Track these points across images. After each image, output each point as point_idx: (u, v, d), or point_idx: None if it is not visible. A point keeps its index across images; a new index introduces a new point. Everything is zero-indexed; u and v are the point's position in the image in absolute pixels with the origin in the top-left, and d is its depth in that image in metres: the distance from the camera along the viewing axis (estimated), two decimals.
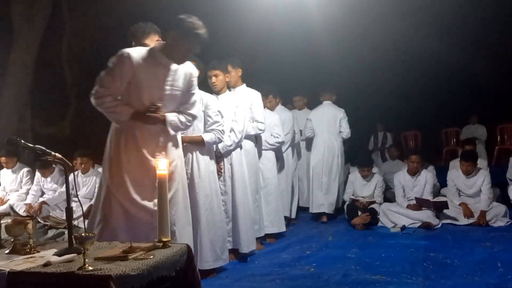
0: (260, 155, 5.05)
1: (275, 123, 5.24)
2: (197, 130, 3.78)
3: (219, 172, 4.20)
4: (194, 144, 3.74)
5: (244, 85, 4.68)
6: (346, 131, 6.31)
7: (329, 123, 6.29)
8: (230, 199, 4.27)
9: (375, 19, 7.55)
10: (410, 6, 7.41)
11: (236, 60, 4.58)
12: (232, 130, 4.22)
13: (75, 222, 5.08)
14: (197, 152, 3.77)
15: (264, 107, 5.45)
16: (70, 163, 2.30)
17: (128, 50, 2.85)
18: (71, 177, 2.55)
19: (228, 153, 4.25)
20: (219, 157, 4.17)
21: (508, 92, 9.01)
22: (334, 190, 6.25)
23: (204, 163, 3.81)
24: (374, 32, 8.06)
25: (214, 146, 4.02)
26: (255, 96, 4.68)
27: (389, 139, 9.26)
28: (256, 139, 4.81)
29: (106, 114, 2.89)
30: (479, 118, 9.08)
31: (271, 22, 6.72)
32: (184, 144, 3.49)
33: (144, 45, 3.12)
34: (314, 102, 6.73)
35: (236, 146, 4.27)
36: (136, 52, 2.86)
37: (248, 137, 4.53)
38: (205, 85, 4.15)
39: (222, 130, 3.89)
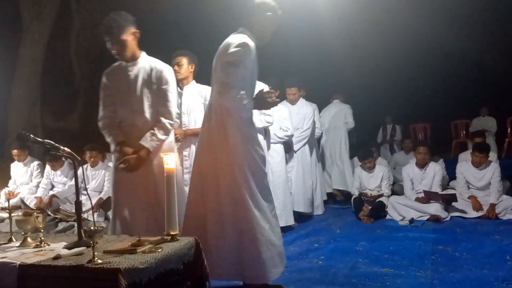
0: (268, 148, 5.06)
1: (285, 116, 5.23)
2: (198, 122, 3.76)
3: None
4: (197, 137, 3.63)
5: None
6: (349, 121, 7.23)
7: (335, 116, 7.24)
8: None
9: (384, 12, 7.48)
10: None
11: None
12: None
13: (84, 215, 5.13)
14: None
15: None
16: (78, 157, 2.32)
17: (245, 40, 2.85)
18: (80, 170, 2.57)
19: None
20: None
21: None
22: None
23: None
24: (383, 25, 7.98)
25: None
26: (261, 88, 4.67)
27: (398, 132, 9.21)
28: (265, 132, 4.82)
29: (246, 111, 2.89)
30: (489, 110, 8.98)
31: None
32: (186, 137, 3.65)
33: (121, 41, 2.91)
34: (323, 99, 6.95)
35: None
36: (249, 40, 2.90)
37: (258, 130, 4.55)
38: (201, 77, 4.13)
39: None
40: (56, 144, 2.26)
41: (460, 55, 9.12)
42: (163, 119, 2.96)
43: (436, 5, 7.51)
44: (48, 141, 2.26)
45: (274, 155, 5.14)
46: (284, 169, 5.21)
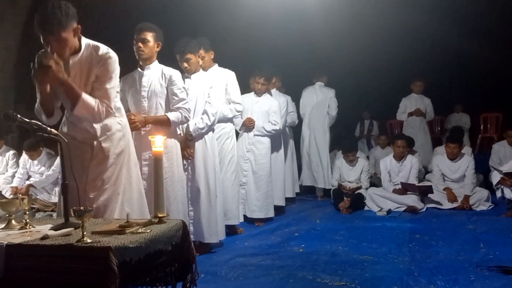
0: (253, 140, 5.10)
1: (274, 109, 5.20)
2: (160, 108, 3.48)
3: (191, 156, 3.90)
4: (159, 125, 3.43)
5: (216, 65, 4.54)
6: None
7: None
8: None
9: (367, 7, 7.56)
10: None
11: (207, 43, 4.42)
12: (205, 112, 3.95)
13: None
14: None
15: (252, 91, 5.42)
16: (65, 139, 2.29)
17: None
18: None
19: (200, 136, 3.95)
20: (190, 141, 3.89)
21: (492, 81, 9.17)
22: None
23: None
24: (366, 21, 8.06)
25: (187, 128, 3.85)
26: (229, 76, 4.53)
27: (375, 127, 9.38)
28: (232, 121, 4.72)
29: None
30: (463, 107, 9.23)
31: (265, 6, 6.67)
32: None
33: (61, 39, 2.50)
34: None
35: (209, 129, 4.01)
36: None
37: (227, 119, 4.52)
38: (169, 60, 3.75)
39: (189, 108, 3.56)
40: (43, 125, 2.23)
41: (437, 54, 9.33)
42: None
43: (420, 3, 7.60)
44: (36, 122, 2.22)
45: (260, 147, 5.14)
46: (268, 162, 5.20)
